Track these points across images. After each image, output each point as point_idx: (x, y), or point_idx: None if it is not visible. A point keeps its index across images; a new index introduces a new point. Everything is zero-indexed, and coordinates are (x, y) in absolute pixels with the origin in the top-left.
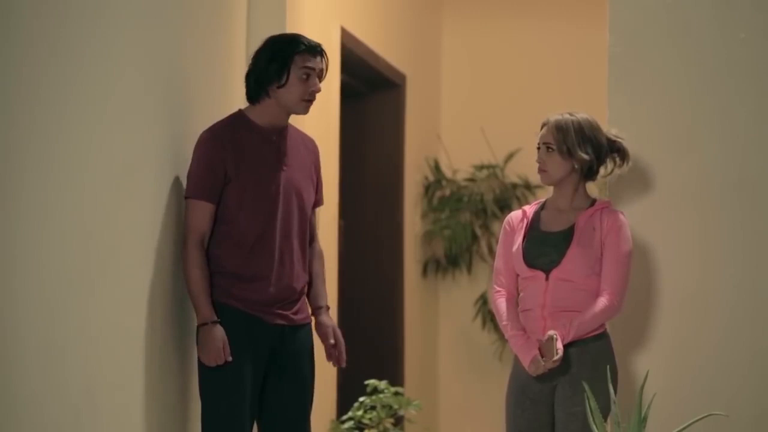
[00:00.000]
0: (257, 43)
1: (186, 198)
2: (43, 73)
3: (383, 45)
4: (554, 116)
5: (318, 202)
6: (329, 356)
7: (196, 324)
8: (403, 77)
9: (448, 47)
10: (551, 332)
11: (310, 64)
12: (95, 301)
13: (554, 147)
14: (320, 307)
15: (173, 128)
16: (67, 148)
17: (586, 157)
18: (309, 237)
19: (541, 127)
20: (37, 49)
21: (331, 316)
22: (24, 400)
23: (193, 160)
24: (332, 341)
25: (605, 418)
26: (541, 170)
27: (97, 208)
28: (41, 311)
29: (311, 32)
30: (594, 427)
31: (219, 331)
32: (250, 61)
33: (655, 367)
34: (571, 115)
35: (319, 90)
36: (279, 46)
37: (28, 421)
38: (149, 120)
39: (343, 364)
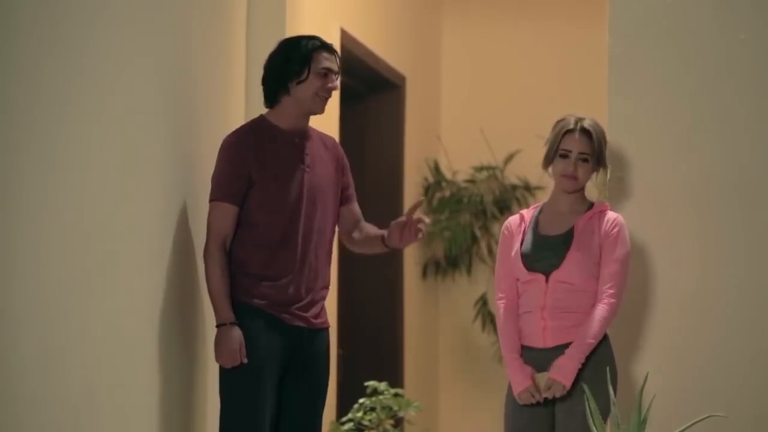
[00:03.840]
0: (257, 44)
1: (210, 201)
2: (43, 73)
3: (383, 46)
4: (587, 121)
5: (351, 197)
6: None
7: (199, 324)
8: (402, 78)
9: (447, 48)
10: (547, 375)
11: (328, 64)
12: (95, 301)
13: (589, 159)
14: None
15: (173, 128)
16: (67, 148)
17: (607, 165)
18: (355, 220)
19: (564, 132)
20: (37, 49)
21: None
22: (24, 401)
23: (217, 163)
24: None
25: (605, 419)
26: (571, 177)
27: (97, 208)
28: (41, 311)
29: (311, 33)
30: (594, 428)
31: (236, 333)
32: (265, 67)
33: (654, 368)
34: (591, 119)
35: (336, 87)
36: (296, 45)
37: (28, 422)
38: (149, 119)
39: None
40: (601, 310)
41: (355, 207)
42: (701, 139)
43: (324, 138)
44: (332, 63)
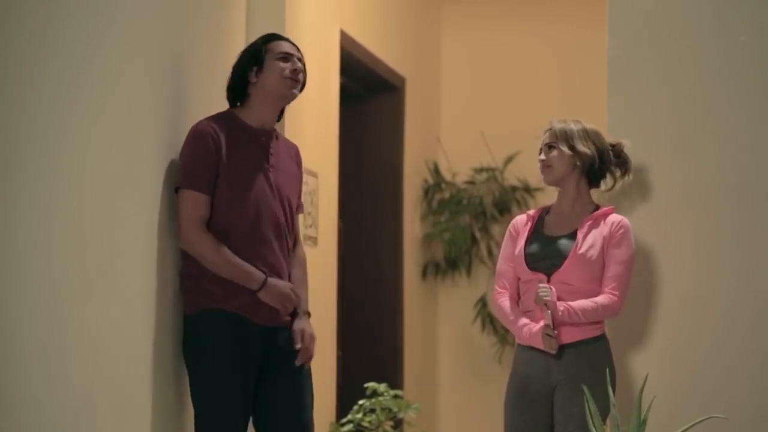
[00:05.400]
0: None
1: (178, 189)
2: (43, 73)
3: (383, 48)
4: (557, 121)
5: (298, 207)
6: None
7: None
8: (402, 80)
9: (447, 50)
10: (543, 289)
11: (285, 49)
12: (94, 302)
13: (556, 144)
14: (300, 313)
15: (173, 129)
16: (67, 148)
17: (587, 151)
18: (292, 242)
19: (545, 133)
20: (37, 49)
21: (310, 323)
22: (24, 402)
23: (186, 151)
24: (299, 345)
25: (604, 420)
26: (544, 166)
27: (96, 208)
28: (41, 313)
29: (311, 35)
30: (593, 430)
31: (276, 282)
32: (229, 78)
33: (654, 369)
34: (574, 120)
35: (300, 69)
36: (250, 44)
37: (27, 423)
38: (149, 120)
39: (302, 363)
40: (602, 297)
41: (297, 221)
42: (700, 140)
43: (288, 144)
44: (290, 48)
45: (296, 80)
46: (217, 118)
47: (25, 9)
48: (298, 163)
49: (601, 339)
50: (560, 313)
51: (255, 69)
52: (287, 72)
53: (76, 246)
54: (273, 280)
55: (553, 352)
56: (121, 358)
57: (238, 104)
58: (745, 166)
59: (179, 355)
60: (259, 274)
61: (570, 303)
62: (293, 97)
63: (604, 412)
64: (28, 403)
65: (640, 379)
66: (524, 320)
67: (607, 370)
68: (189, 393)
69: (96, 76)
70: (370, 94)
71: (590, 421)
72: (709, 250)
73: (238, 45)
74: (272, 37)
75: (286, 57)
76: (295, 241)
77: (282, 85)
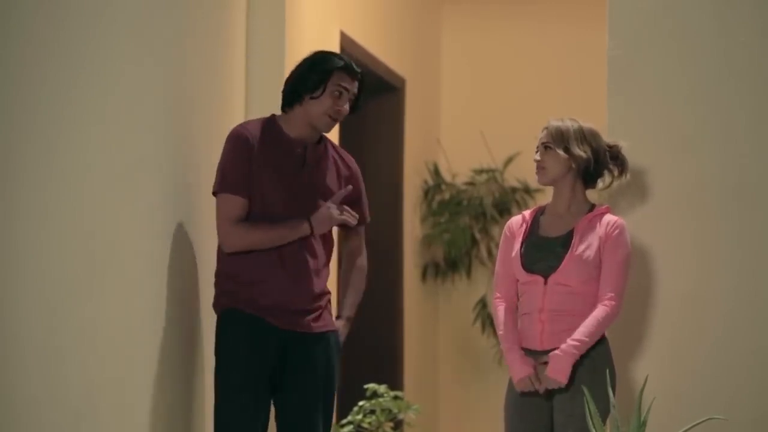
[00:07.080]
0: (257, 47)
1: (216, 193)
2: (43, 73)
3: (383, 49)
4: (555, 120)
5: (360, 218)
6: None
7: (199, 325)
8: (402, 81)
9: (447, 51)
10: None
11: (345, 84)
12: (95, 301)
13: (552, 146)
14: (339, 317)
15: (173, 129)
16: (67, 149)
17: (583, 154)
18: (355, 252)
19: (542, 131)
20: (37, 49)
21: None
22: (24, 402)
23: (223, 154)
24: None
25: (604, 421)
26: (539, 167)
27: (97, 209)
28: (41, 313)
29: (311, 36)
30: (593, 431)
31: (318, 213)
32: (292, 71)
33: (654, 370)
34: (571, 119)
35: (346, 112)
36: (322, 58)
37: (27, 423)
38: (149, 121)
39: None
40: (600, 310)
41: (354, 238)
42: (700, 141)
43: (340, 156)
44: (350, 85)
45: (336, 120)
46: (258, 123)
47: (25, 9)
48: (350, 176)
49: (601, 341)
50: (576, 355)
51: (310, 94)
52: (332, 111)
53: (76, 246)
54: (313, 217)
55: (519, 389)
56: (121, 358)
57: (285, 108)
58: (745, 166)
59: (185, 355)
60: (299, 222)
61: (574, 338)
62: (326, 132)
63: (604, 413)
64: (28, 403)
65: (639, 380)
66: (512, 344)
67: (607, 371)
68: (192, 393)
69: (96, 76)
70: (370, 94)
71: (590, 422)
72: (709, 250)
73: (238, 45)
74: (340, 65)
75: (341, 93)
76: (357, 251)
77: (321, 121)
